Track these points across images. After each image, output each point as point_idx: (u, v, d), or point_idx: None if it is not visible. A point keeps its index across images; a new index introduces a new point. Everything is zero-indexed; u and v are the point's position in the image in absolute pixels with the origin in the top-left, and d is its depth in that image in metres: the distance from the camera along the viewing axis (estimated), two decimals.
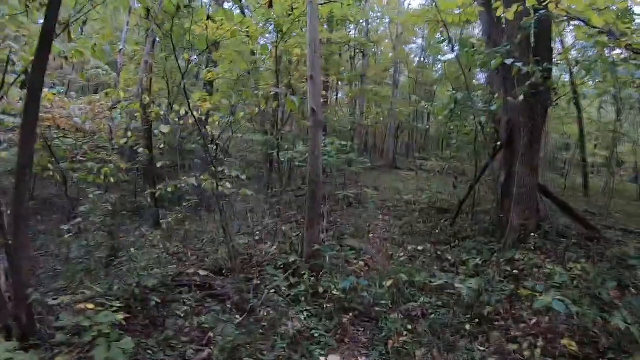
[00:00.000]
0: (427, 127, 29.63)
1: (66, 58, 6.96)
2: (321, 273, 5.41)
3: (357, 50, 15.68)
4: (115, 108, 9.05)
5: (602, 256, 6.35)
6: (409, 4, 27.87)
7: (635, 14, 5.93)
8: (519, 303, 4.78)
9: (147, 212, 12.84)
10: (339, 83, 28.18)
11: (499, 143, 7.65)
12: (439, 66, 30.73)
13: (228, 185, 5.43)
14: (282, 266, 5.96)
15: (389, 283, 4.82)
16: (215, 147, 6.82)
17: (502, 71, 7.36)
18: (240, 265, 6.30)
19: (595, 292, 4.46)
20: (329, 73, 16.40)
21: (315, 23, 6.19)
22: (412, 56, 30.18)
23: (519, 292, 4.72)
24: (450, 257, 6.59)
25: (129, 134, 7.63)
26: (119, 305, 4.03)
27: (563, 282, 4.46)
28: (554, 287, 4.37)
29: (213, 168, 5.40)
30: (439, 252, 6.95)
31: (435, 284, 5.01)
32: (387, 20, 26.47)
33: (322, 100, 7.56)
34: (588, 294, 4.62)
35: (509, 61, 5.48)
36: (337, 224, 8.92)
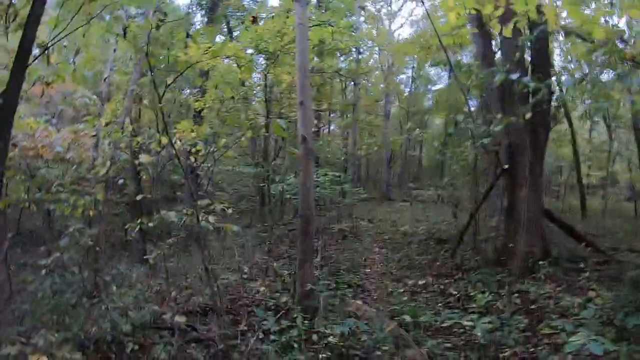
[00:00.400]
0: (421, 155, 29.65)
1: (48, 84, 6.62)
2: (316, 315, 4.89)
3: (348, 80, 15.56)
4: (95, 136, 8.73)
5: (617, 280, 5.91)
6: (399, 34, 28.16)
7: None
8: (535, 339, 4.30)
9: (134, 246, 12.39)
10: (331, 115, 28.14)
11: (505, 167, 7.28)
12: (430, 95, 31.16)
13: (211, 219, 4.98)
14: (272, 307, 5.46)
15: (390, 327, 4.32)
16: (196, 179, 6.41)
17: (499, 92, 7.13)
18: (228, 306, 5.81)
19: (624, 323, 3.99)
20: (321, 102, 16.28)
21: (305, 46, 5.92)
22: (402, 86, 30.41)
23: (536, 328, 4.26)
24: (454, 292, 6.10)
25: (108, 163, 7.20)
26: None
27: (589, 315, 3.99)
28: (580, 323, 3.90)
29: (194, 201, 4.97)
30: (441, 287, 6.47)
31: (443, 325, 4.49)
32: (377, 52, 26.78)
33: (313, 130, 7.24)
34: (611, 324, 4.16)
35: (514, 76, 5.20)
36: (332, 258, 8.43)
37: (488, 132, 5.89)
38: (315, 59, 12.91)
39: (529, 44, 6.39)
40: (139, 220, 6.12)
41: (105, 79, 11.85)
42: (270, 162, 9.56)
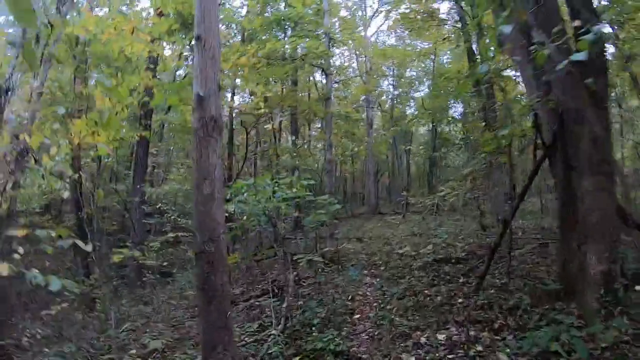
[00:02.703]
0: (409, 165, 27.46)
1: None
2: None
3: (321, 70, 13.11)
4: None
5: None
6: (376, 39, 26.17)
7: None
8: None
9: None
10: (311, 132, 25.59)
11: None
12: (412, 102, 28.91)
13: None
14: None
15: None
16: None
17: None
18: None
19: None
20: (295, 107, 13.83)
21: None
22: (384, 97, 28.23)
23: None
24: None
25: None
26: None
27: None
28: None
29: None
30: (479, 348, 3.79)
31: None
32: (356, 59, 25.04)
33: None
34: None
35: None
36: (304, 303, 5.72)
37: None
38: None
39: None
40: None
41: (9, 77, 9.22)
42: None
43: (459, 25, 12.05)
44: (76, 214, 12.86)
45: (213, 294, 2.66)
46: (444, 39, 13.08)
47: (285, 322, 4.85)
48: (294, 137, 12.80)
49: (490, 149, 6.15)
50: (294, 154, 12.97)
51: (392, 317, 4.97)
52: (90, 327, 6.50)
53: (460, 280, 5.89)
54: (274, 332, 4.49)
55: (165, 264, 7.92)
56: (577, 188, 4.57)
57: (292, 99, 14.11)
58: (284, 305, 5.54)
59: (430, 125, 25.99)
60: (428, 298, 5.41)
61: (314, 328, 4.63)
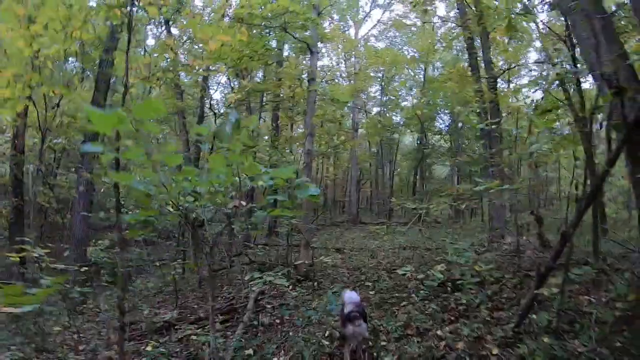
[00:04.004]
0: (393, 175, 26.03)
1: None
2: None
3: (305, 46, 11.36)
4: None
5: None
6: (367, 39, 24.85)
7: None
8: None
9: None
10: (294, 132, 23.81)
11: None
12: (399, 111, 27.29)
13: None
14: None
15: None
16: None
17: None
18: None
19: None
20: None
21: None
22: (370, 103, 26.65)
23: None
24: None
25: None
26: None
27: None
28: None
29: None
30: None
31: None
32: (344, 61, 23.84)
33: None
34: None
35: None
36: (259, 346, 3.93)
37: None
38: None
39: None
40: None
41: None
42: None
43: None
44: (12, 201, 11.01)
45: None
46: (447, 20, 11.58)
47: None
48: (274, 125, 11.12)
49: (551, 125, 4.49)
50: (274, 142, 11.24)
51: None
52: None
53: (485, 316, 4.16)
54: None
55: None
56: None
57: (275, 85, 12.38)
58: (230, 347, 3.75)
59: (417, 136, 24.91)
60: (442, 342, 3.68)
61: None
